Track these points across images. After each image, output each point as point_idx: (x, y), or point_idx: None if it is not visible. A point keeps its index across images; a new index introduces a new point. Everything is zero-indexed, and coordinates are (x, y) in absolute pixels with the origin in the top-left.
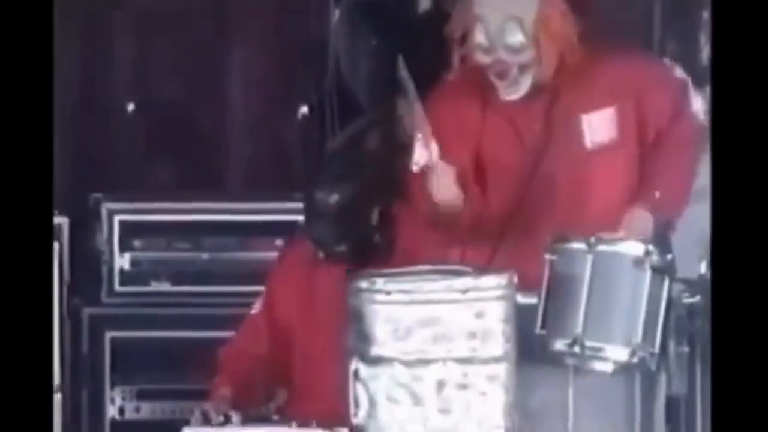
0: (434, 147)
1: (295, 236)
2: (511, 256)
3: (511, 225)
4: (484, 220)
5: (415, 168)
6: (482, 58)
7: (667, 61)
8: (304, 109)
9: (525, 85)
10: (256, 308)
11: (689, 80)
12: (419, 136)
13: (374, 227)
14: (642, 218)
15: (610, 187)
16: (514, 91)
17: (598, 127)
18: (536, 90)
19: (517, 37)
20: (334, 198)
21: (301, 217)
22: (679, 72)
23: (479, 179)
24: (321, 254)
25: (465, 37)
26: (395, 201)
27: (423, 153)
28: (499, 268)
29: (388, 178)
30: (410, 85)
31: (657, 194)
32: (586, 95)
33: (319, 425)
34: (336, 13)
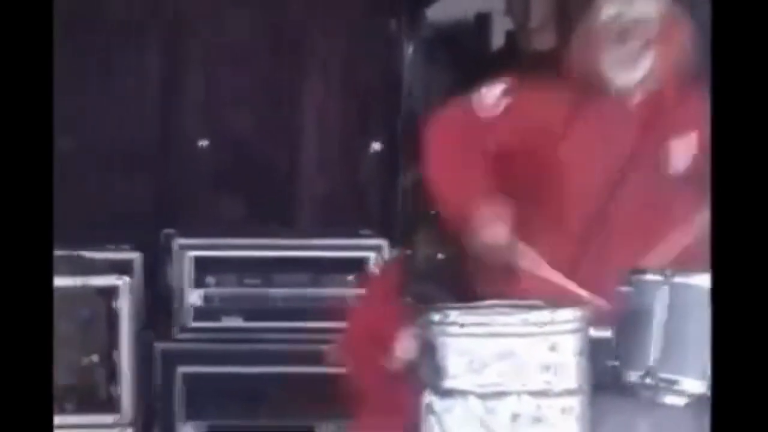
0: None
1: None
2: (585, 285)
3: (587, 247)
4: (561, 240)
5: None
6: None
7: None
8: (376, 145)
9: (641, 69)
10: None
11: None
12: None
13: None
14: None
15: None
16: (631, 73)
17: (681, 155)
18: (643, 91)
19: (648, 7)
20: (441, 255)
21: (370, 254)
22: None
23: (556, 184)
24: None
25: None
26: None
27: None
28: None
29: None
30: None
31: None
32: (675, 120)
33: None
34: (410, 49)
